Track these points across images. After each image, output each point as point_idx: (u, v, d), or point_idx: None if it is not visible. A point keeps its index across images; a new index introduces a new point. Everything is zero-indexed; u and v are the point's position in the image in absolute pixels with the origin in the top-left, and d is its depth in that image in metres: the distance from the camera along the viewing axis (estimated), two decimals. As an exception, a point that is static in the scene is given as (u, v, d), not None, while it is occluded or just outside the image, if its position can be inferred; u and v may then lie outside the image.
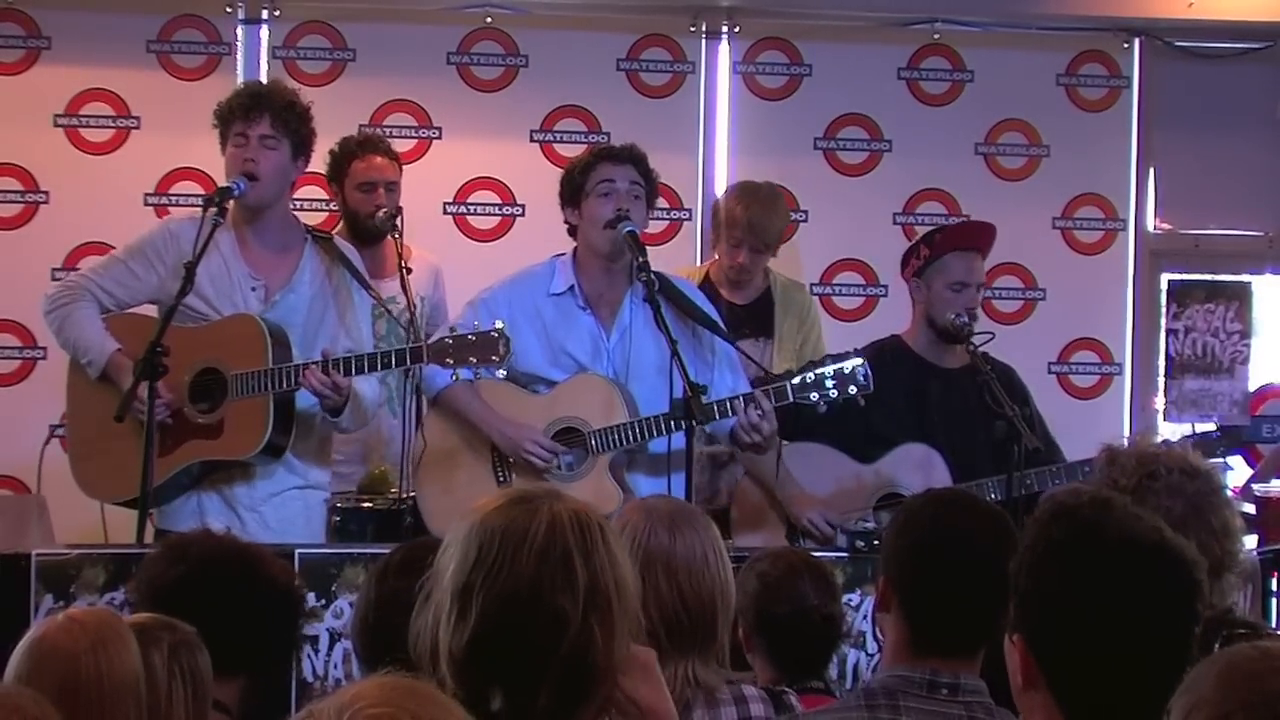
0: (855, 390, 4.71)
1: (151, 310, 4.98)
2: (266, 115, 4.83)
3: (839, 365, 4.71)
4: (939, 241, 5.36)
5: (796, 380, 4.75)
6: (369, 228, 5.56)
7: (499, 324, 4.58)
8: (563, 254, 5.08)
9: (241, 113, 4.84)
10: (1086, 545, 2.17)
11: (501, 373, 4.67)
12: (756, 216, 5.67)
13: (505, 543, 2.23)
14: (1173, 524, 2.22)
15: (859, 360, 4.72)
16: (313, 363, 4.67)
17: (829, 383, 4.71)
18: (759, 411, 4.72)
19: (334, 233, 5.38)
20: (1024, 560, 2.21)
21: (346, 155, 5.79)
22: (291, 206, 5.27)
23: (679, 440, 4.74)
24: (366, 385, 4.87)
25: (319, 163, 5.75)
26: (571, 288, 4.98)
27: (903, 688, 2.76)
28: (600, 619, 2.23)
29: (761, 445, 4.81)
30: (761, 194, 5.83)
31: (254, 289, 4.91)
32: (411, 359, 4.67)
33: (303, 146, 4.92)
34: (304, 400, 4.84)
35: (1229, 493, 3.43)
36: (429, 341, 4.66)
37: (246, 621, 3.12)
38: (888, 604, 2.85)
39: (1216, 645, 2.57)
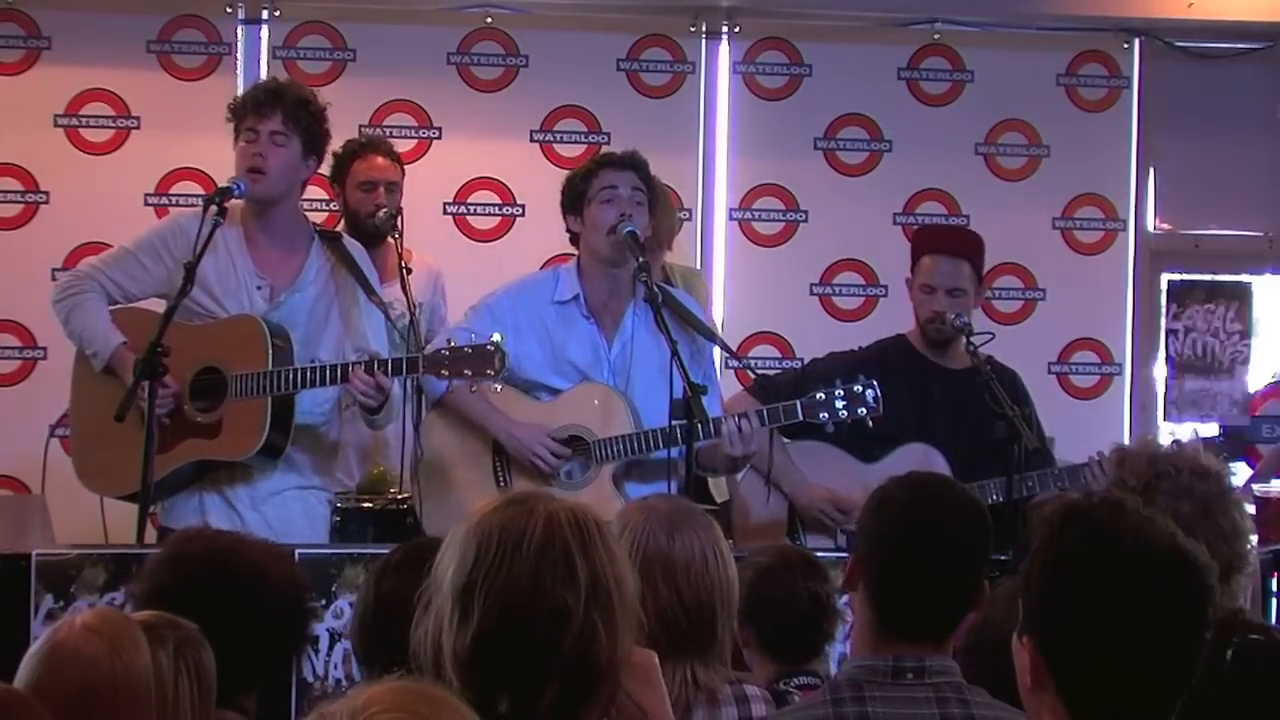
0: (865, 412, 4.77)
1: (159, 304, 4.97)
2: (279, 112, 4.81)
3: (850, 386, 4.76)
4: (914, 243, 5.45)
5: (806, 400, 4.79)
6: (369, 228, 5.55)
7: (496, 337, 4.57)
8: (566, 255, 5.07)
9: (254, 108, 4.83)
10: (1100, 549, 2.16)
11: (498, 387, 4.67)
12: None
13: (504, 541, 2.24)
14: (1181, 525, 2.21)
15: (871, 382, 4.78)
16: (356, 363, 4.66)
17: (839, 403, 4.76)
18: (749, 425, 4.72)
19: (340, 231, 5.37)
20: (1036, 562, 2.21)
21: (349, 155, 5.79)
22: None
23: (679, 449, 4.74)
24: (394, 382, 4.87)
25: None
26: (576, 296, 4.98)
27: (867, 678, 2.77)
28: (603, 615, 2.23)
29: (735, 461, 4.82)
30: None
31: (259, 288, 4.90)
32: (407, 369, 4.66)
33: (314, 145, 4.91)
34: (304, 408, 4.84)
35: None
36: (425, 352, 4.65)
37: (256, 634, 3.06)
38: (854, 583, 2.87)
39: (1229, 651, 2.56)
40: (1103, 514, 2.18)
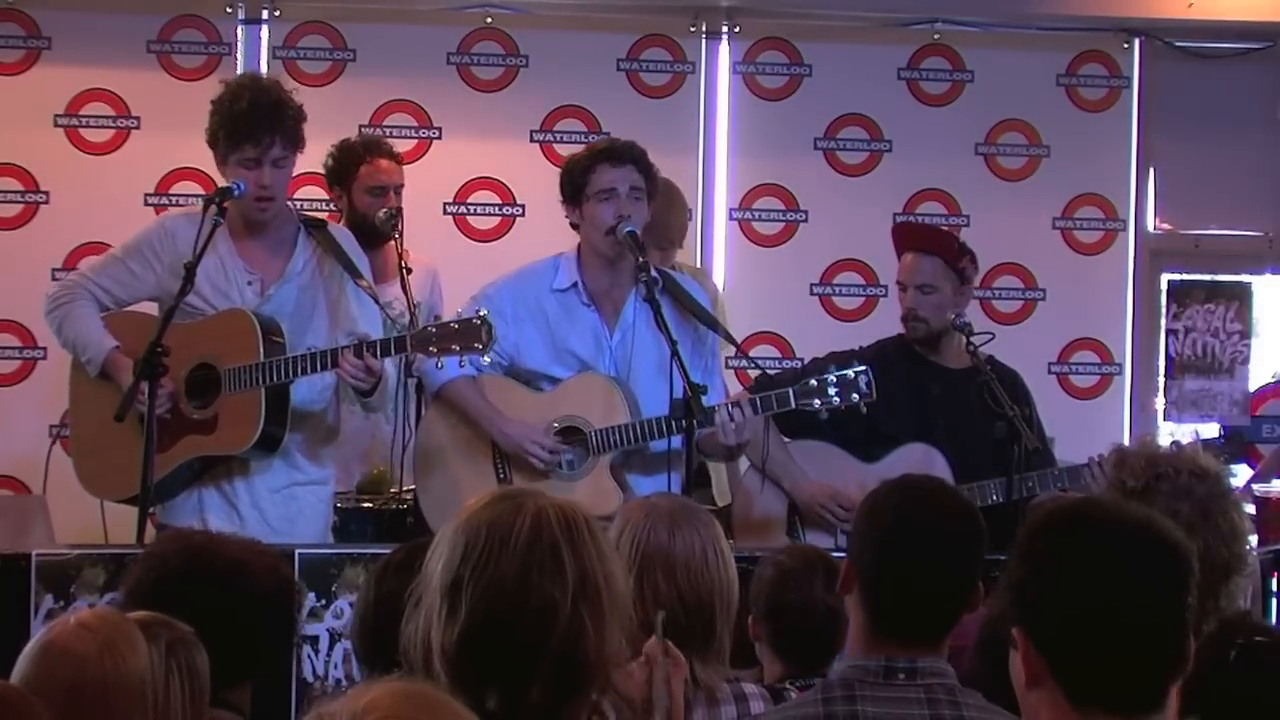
0: (858, 398, 4.74)
1: (149, 307, 4.97)
2: (277, 138, 4.78)
3: (843, 372, 4.74)
4: (894, 244, 5.44)
5: (799, 386, 4.77)
6: (375, 230, 5.53)
7: (482, 311, 4.57)
8: (565, 253, 5.07)
9: (252, 140, 4.75)
10: (1074, 528, 2.22)
11: (486, 359, 4.67)
12: (659, 214, 5.69)
13: (491, 537, 2.25)
14: (1180, 526, 2.24)
15: (863, 368, 4.75)
16: (345, 347, 4.66)
17: (832, 389, 4.74)
18: (741, 414, 4.73)
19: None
20: (1014, 552, 2.25)
21: (352, 159, 5.74)
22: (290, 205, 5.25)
23: (678, 439, 4.74)
24: (389, 365, 4.85)
25: (319, 163, 5.76)
26: (575, 284, 4.97)
27: (859, 678, 2.79)
28: (590, 610, 2.23)
29: (731, 449, 4.82)
30: (660, 191, 5.86)
31: (250, 283, 4.90)
32: (395, 348, 4.66)
33: (300, 149, 4.92)
34: (302, 395, 4.84)
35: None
36: (412, 330, 4.65)
37: (238, 628, 3.06)
38: (849, 586, 2.88)
39: (1234, 652, 2.57)
40: (1077, 501, 2.23)
